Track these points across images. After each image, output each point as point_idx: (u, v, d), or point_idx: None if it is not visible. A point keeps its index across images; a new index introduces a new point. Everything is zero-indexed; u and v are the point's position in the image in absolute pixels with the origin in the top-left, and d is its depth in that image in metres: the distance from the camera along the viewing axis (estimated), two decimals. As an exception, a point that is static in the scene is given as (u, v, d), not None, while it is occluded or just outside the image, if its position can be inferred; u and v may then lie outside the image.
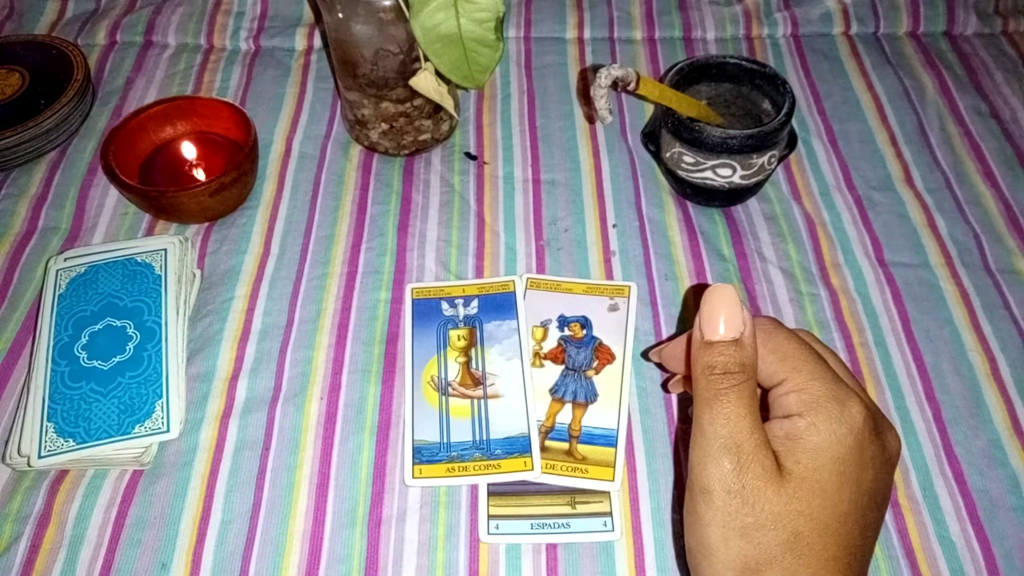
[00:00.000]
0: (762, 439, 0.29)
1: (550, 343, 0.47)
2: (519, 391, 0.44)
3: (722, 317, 0.31)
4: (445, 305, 0.48)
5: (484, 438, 0.42)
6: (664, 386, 0.45)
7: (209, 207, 0.51)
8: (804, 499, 0.28)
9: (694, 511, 0.30)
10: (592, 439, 0.42)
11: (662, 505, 0.41)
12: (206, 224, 0.53)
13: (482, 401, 0.44)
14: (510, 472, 0.41)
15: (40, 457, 0.41)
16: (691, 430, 0.31)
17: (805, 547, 0.28)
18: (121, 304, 0.47)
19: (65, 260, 0.49)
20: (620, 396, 0.44)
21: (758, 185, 0.51)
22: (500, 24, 0.44)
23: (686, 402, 0.44)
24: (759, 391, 0.33)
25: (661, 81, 0.48)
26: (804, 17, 0.66)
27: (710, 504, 0.29)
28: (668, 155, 0.52)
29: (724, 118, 0.51)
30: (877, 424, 0.31)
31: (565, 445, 0.42)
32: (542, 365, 0.46)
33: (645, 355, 0.46)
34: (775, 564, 0.28)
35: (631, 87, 0.43)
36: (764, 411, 0.32)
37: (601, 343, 0.46)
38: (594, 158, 0.57)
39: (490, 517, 0.40)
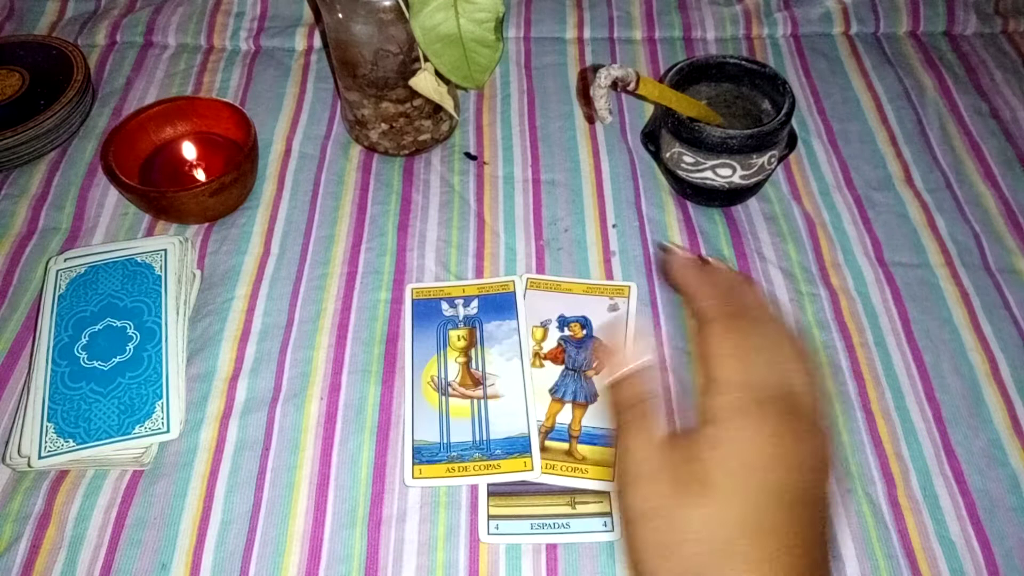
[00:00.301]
0: (677, 457, 0.30)
1: (550, 343, 0.47)
2: (519, 391, 0.44)
3: (618, 357, 0.32)
4: (445, 305, 0.48)
5: (484, 438, 0.42)
6: None
7: (209, 207, 0.51)
8: (724, 508, 0.28)
9: (625, 539, 0.31)
10: (592, 439, 0.42)
11: (662, 505, 0.41)
12: (206, 224, 0.53)
13: (482, 401, 0.44)
14: (510, 472, 0.41)
15: (40, 457, 0.41)
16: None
17: (734, 554, 0.28)
18: (121, 304, 0.47)
19: (65, 260, 0.49)
20: (620, 396, 0.44)
21: (758, 185, 0.51)
22: (500, 24, 0.44)
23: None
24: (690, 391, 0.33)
25: (661, 81, 0.48)
26: (804, 17, 0.66)
27: (636, 531, 0.30)
28: (668, 155, 0.52)
29: (724, 118, 0.51)
30: (799, 426, 0.30)
31: (565, 445, 0.42)
32: (542, 365, 0.46)
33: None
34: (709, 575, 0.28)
35: (631, 87, 0.43)
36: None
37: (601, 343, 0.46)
38: (594, 158, 0.57)
39: (490, 517, 0.40)
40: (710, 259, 0.37)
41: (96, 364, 0.44)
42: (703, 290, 0.33)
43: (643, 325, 0.47)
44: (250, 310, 0.49)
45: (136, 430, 0.42)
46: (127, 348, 0.45)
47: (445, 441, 0.42)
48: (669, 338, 0.47)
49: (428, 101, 0.53)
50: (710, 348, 0.31)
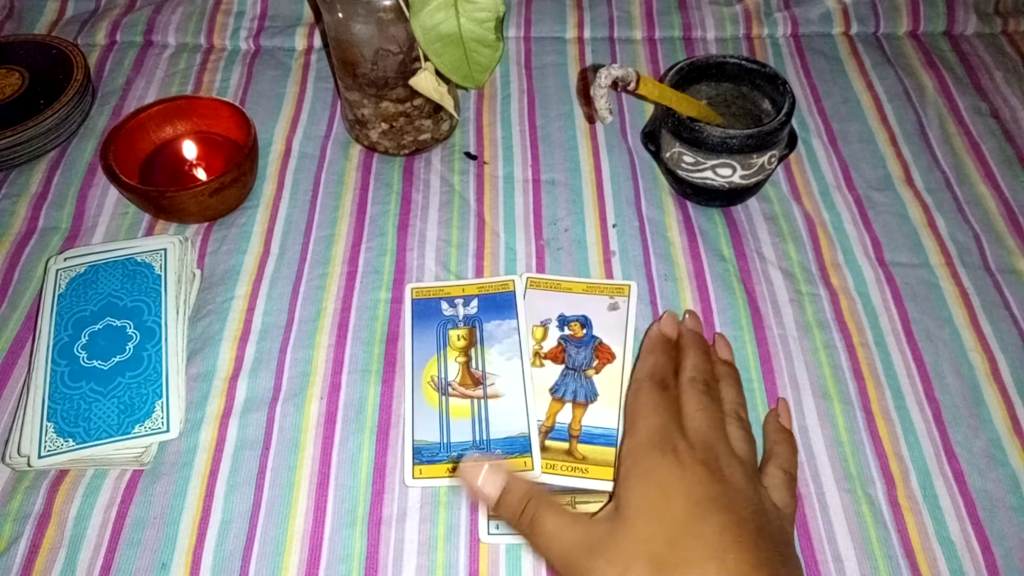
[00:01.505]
0: (583, 523, 0.35)
1: (550, 342, 0.47)
2: (519, 391, 0.44)
3: (484, 487, 0.36)
4: (445, 305, 0.48)
5: (484, 438, 0.42)
6: None
7: (209, 207, 0.51)
8: (645, 526, 0.33)
9: None
10: (592, 439, 0.42)
11: (662, 505, 0.41)
12: (206, 224, 0.53)
13: (482, 401, 0.44)
14: (510, 472, 0.41)
15: (40, 457, 0.41)
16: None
17: (664, 561, 0.32)
18: (121, 304, 0.47)
19: (65, 260, 0.49)
20: (620, 395, 0.44)
21: (758, 185, 0.51)
22: (500, 24, 0.44)
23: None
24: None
25: (661, 81, 0.48)
26: (804, 17, 0.66)
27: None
28: (668, 155, 0.52)
29: (724, 118, 0.51)
30: (684, 460, 0.36)
31: (565, 445, 0.42)
32: (542, 365, 0.46)
33: None
34: None
35: (631, 87, 0.43)
36: None
37: (601, 342, 0.46)
38: (594, 158, 0.57)
39: (490, 517, 0.40)
40: (683, 328, 0.45)
41: (96, 363, 0.44)
42: (654, 361, 0.42)
43: (643, 326, 0.47)
44: (250, 310, 0.49)
45: (136, 430, 0.42)
46: (127, 347, 0.45)
47: (445, 441, 0.42)
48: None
49: (428, 101, 0.53)
50: (633, 405, 0.40)
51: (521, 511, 0.35)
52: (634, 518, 0.34)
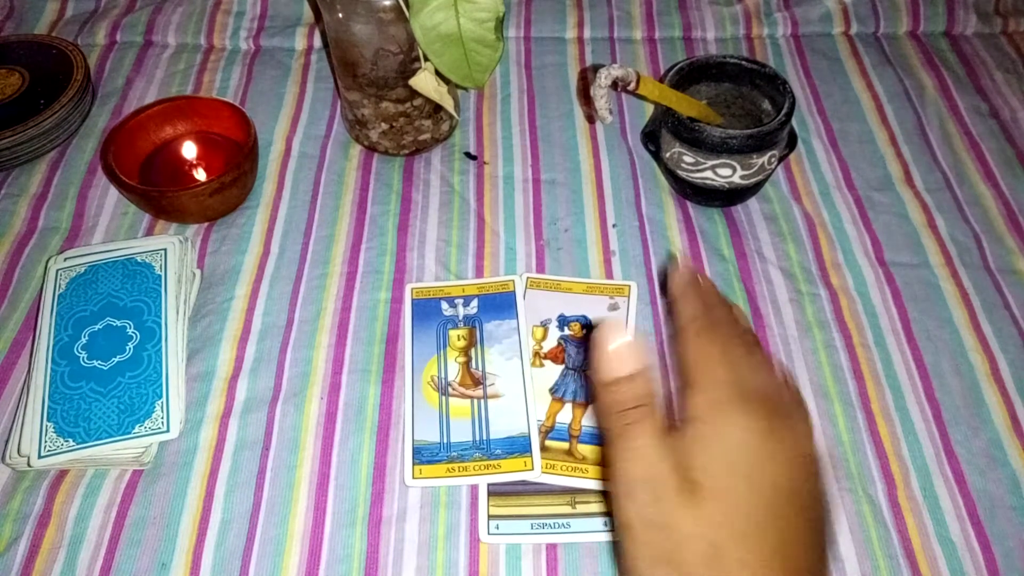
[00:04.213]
0: (672, 463, 0.29)
1: (550, 343, 0.47)
2: (519, 391, 0.44)
3: (615, 356, 0.31)
4: (445, 305, 0.48)
5: (484, 438, 0.42)
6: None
7: (209, 207, 0.51)
8: (717, 511, 0.29)
9: (621, 546, 0.30)
10: (592, 439, 0.42)
11: (662, 505, 0.41)
12: (206, 224, 0.53)
13: (482, 401, 0.44)
14: (510, 472, 0.41)
15: (40, 457, 0.41)
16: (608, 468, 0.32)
17: (725, 558, 0.28)
18: (121, 304, 0.47)
19: (65, 260, 0.49)
20: (620, 396, 0.44)
21: (758, 185, 0.51)
22: (500, 24, 0.44)
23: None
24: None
25: (661, 81, 0.48)
26: (804, 17, 0.66)
27: (633, 539, 0.30)
28: (668, 155, 0.52)
29: (724, 118, 0.51)
30: (785, 423, 0.31)
31: (565, 445, 0.42)
32: (542, 365, 0.46)
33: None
34: None
35: (631, 87, 0.43)
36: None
37: (601, 343, 0.46)
38: (594, 158, 0.57)
39: (490, 517, 0.40)
40: (700, 278, 0.38)
41: (96, 363, 0.44)
42: (696, 302, 0.35)
43: (643, 325, 0.47)
44: (250, 310, 0.49)
45: (136, 430, 0.42)
46: (127, 347, 0.45)
47: (445, 441, 0.42)
48: (670, 337, 0.47)
49: (428, 101, 0.53)
50: (698, 352, 0.32)
51: (627, 409, 0.30)
52: (708, 495, 0.29)
